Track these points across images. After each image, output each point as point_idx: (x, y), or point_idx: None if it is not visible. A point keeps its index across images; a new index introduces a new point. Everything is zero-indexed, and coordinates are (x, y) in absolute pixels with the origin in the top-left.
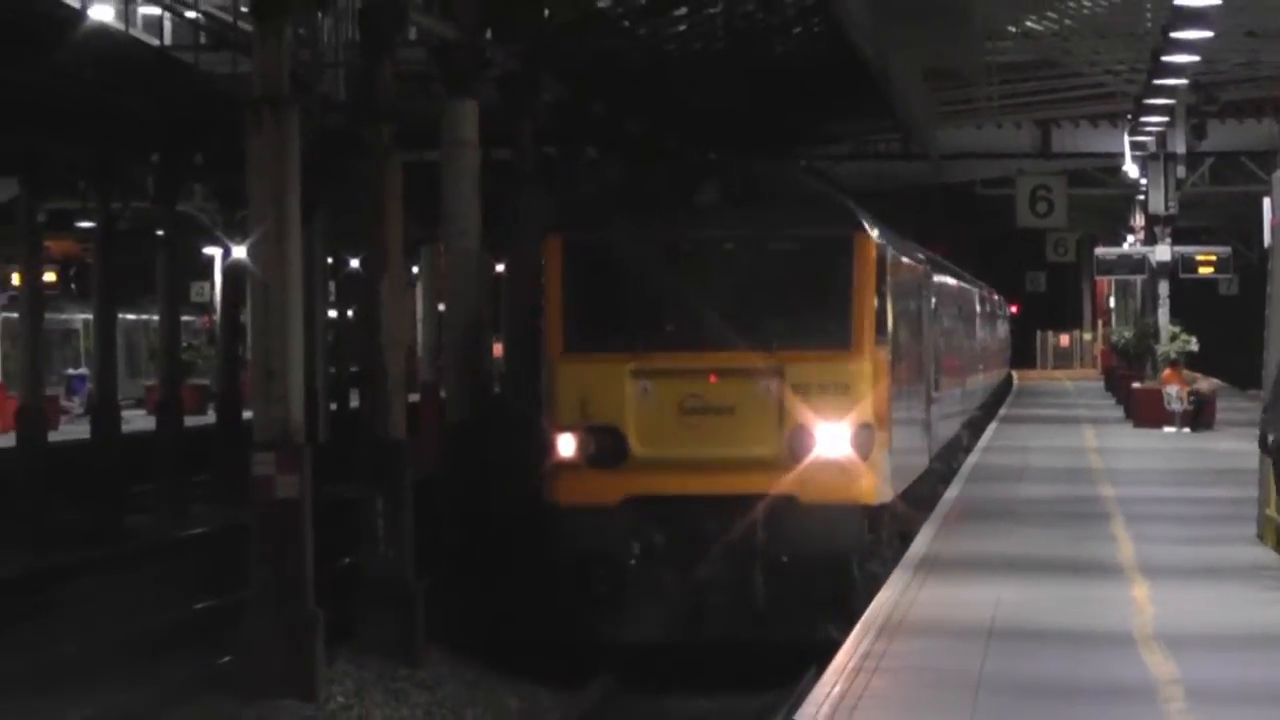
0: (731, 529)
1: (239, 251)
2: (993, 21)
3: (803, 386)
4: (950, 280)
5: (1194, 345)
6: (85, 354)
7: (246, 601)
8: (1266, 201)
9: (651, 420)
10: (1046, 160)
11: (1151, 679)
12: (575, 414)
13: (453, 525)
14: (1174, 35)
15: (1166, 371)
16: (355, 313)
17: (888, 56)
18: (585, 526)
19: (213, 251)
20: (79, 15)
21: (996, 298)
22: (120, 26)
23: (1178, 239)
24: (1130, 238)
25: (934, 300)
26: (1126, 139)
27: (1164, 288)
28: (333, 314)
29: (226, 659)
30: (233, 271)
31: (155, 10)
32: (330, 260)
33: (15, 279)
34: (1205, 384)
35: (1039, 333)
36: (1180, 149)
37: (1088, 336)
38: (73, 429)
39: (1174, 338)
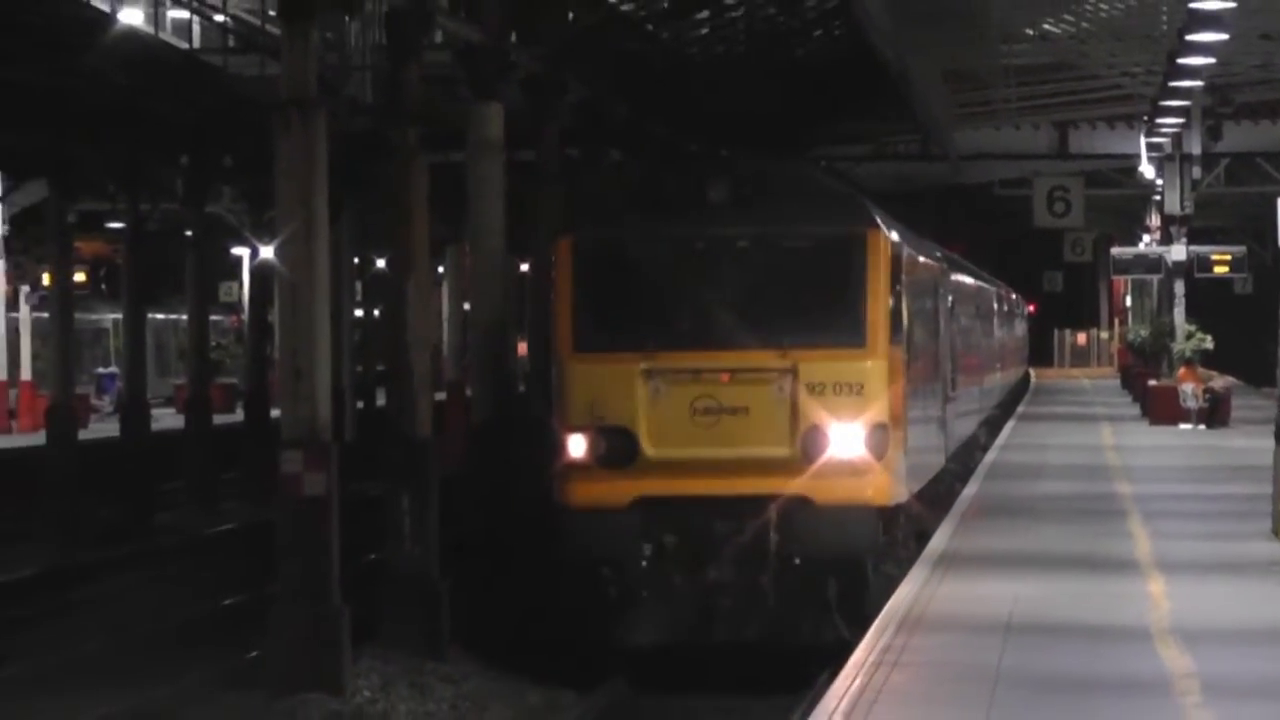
0: (743, 530)
1: (267, 252)
2: (1011, 24)
3: (816, 386)
4: (967, 279)
5: (1209, 343)
6: (115, 353)
7: (274, 597)
8: None
9: (663, 421)
10: (1064, 161)
11: (1167, 673)
12: (586, 414)
13: (477, 523)
14: (1189, 38)
15: (1182, 370)
16: (381, 312)
17: (907, 59)
18: (596, 528)
19: (241, 252)
20: (108, 19)
21: (1014, 297)
22: (150, 30)
23: (1193, 239)
24: (1146, 237)
25: (950, 299)
26: (1143, 140)
27: (1179, 287)
28: (359, 313)
29: (254, 654)
30: (261, 271)
31: (184, 14)
32: (357, 260)
33: (46, 279)
34: (1220, 382)
35: (1056, 331)
36: (1196, 150)
37: (1104, 335)
38: (103, 427)
39: (1189, 336)
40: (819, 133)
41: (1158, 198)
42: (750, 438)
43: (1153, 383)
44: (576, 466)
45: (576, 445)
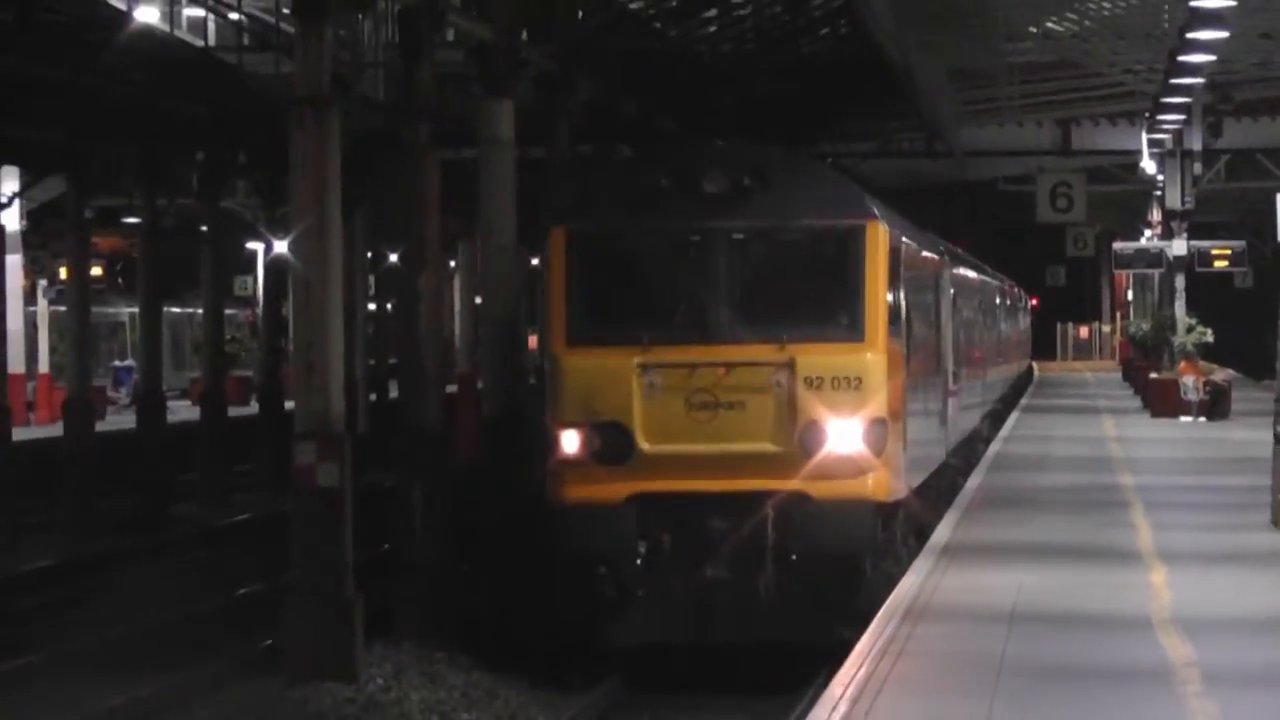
0: (740, 527)
1: (281, 247)
2: (1014, 23)
3: (814, 380)
4: (970, 273)
5: (1210, 337)
6: (131, 346)
7: (288, 587)
8: None
9: (658, 415)
10: (1066, 158)
11: (1169, 662)
12: (579, 409)
13: (489, 515)
14: (1191, 36)
15: (1183, 363)
16: (394, 306)
17: (912, 57)
18: (590, 525)
19: (255, 247)
20: (125, 17)
21: (1017, 290)
22: (165, 28)
23: (1194, 234)
24: (1148, 232)
25: (952, 292)
26: (1144, 137)
27: (1180, 281)
28: (372, 307)
29: (269, 643)
30: (275, 266)
31: (199, 12)
32: (370, 255)
33: (63, 273)
34: (1221, 375)
35: (1059, 325)
36: (1197, 146)
37: (1106, 329)
38: (119, 419)
39: (1190, 330)
40: (825, 130)
41: (1159, 193)
42: (747, 433)
43: (1154, 376)
44: (570, 463)
45: (570, 441)
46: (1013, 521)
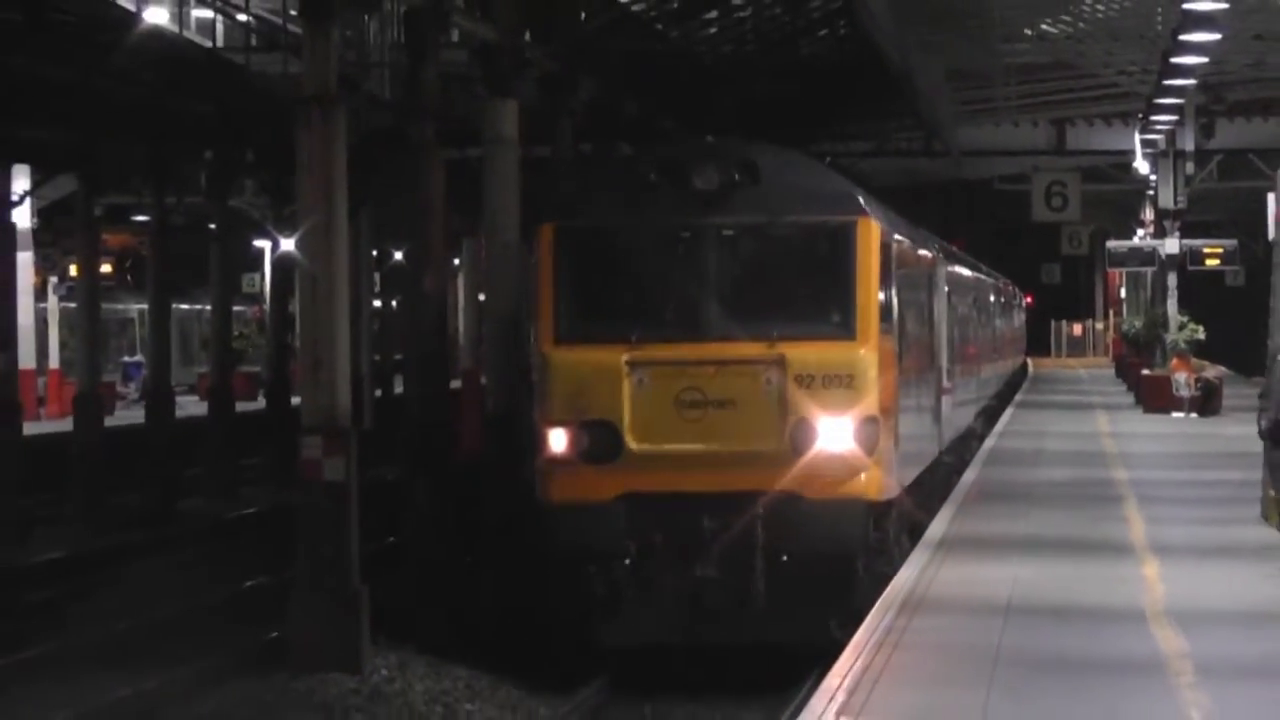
0: (731, 527)
1: (288, 244)
2: (1010, 25)
3: (805, 378)
4: (964, 270)
5: (1201, 334)
6: (140, 342)
7: (295, 579)
8: (1271, 196)
9: (647, 414)
10: (1061, 157)
11: (1162, 654)
12: (568, 408)
13: (491, 510)
14: (1183, 38)
15: (1175, 360)
16: (399, 303)
17: (910, 58)
18: (579, 525)
19: (263, 244)
20: (134, 17)
21: (1012, 288)
22: (174, 28)
23: (1186, 233)
24: (1141, 231)
25: (946, 290)
26: (1138, 137)
27: (1173, 279)
28: (378, 304)
29: (275, 635)
30: (282, 264)
31: (208, 13)
32: (375, 253)
33: (74, 270)
34: (1212, 371)
35: (1053, 322)
36: (1189, 147)
37: (1100, 326)
38: (128, 414)
39: (1182, 327)
40: (825, 129)
41: (1152, 193)
42: (737, 431)
43: (1147, 372)
44: (558, 461)
45: (558, 440)
46: (1008, 515)
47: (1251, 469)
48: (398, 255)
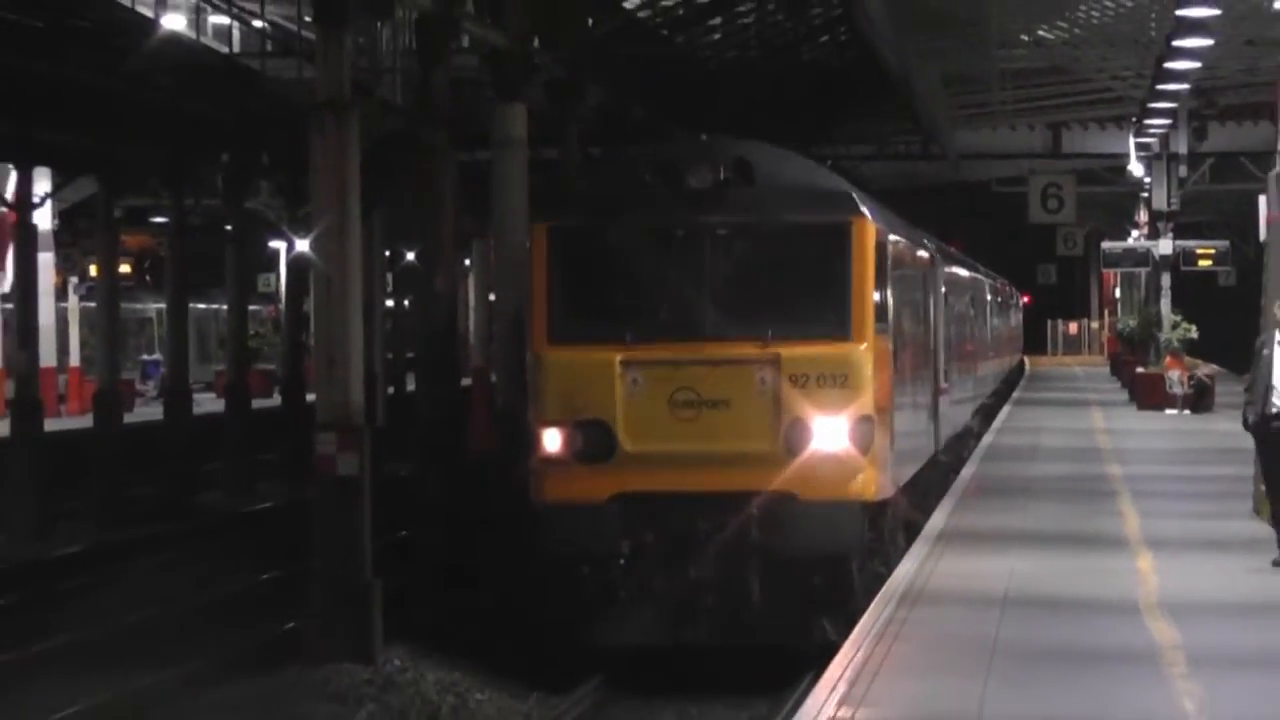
0: (725, 527)
1: (303, 245)
2: (1007, 30)
3: (799, 378)
4: (961, 270)
5: (1194, 333)
6: (159, 341)
7: (309, 572)
8: (1262, 199)
9: (641, 414)
10: (1057, 160)
11: (1155, 644)
12: (561, 408)
13: (498, 505)
14: (1177, 43)
15: (1168, 358)
16: (411, 303)
17: (909, 64)
18: (573, 525)
19: (278, 245)
20: (152, 24)
21: (1009, 288)
22: (191, 35)
23: (1179, 234)
24: (1135, 232)
25: (943, 290)
26: (1132, 140)
27: (1166, 279)
28: (390, 304)
29: (290, 626)
30: (297, 264)
31: (224, 19)
32: (388, 253)
33: (93, 271)
34: (1205, 369)
35: (1049, 321)
36: (1182, 150)
37: (1095, 325)
38: (147, 411)
39: (1175, 326)
40: (826, 132)
41: (1146, 195)
42: (731, 431)
43: (1141, 370)
44: (552, 462)
45: (552, 440)
46: (1005, 509)
47: (1243, 464)
48: (410, 256)
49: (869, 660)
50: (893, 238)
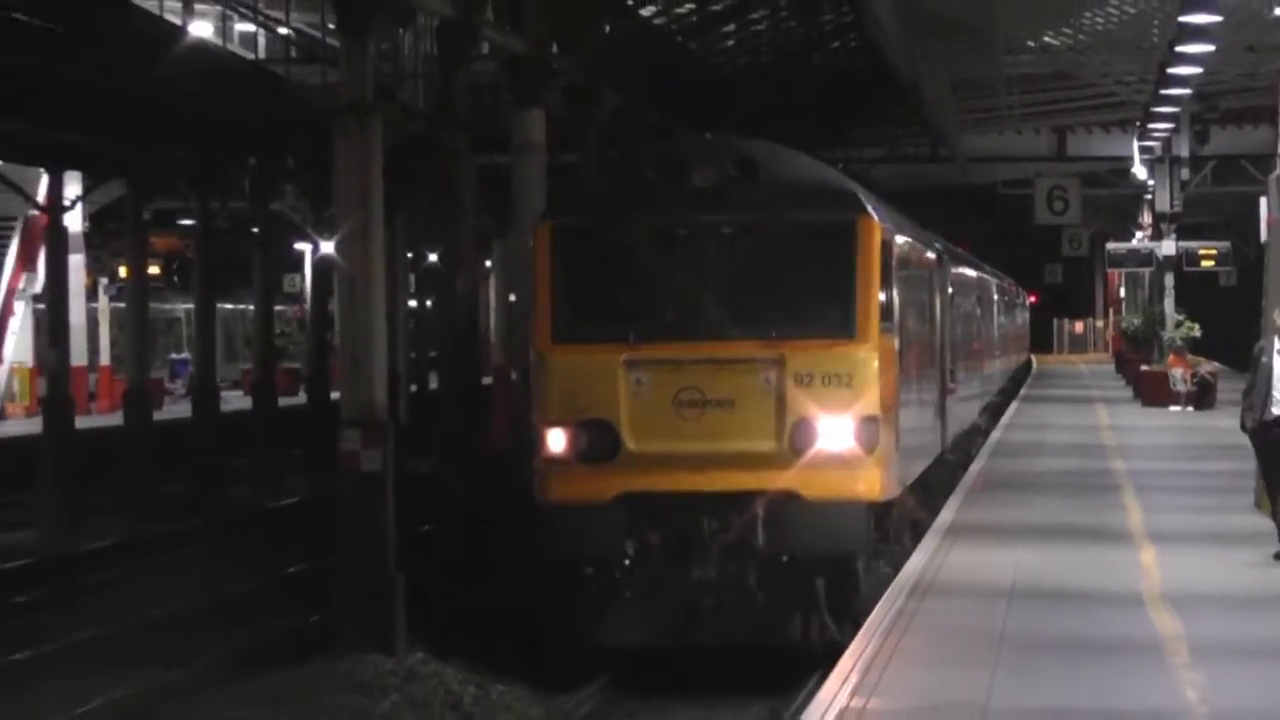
0: (730, 527)
1: (327, 247)
2: (1013, 37)
3: (804, 377)
4: (969, 270)
5: (1197, 332)
6: (187, 340)
7: (334, 566)
8: (1263, 201)
9: (646, 414)
10: (1062, 163)
11: (1159, 636)
12: (565, 408)
13: (516, 501)
14: (1179, 49)
15: (1172, 356)
16: (433, 303)
17: (918, 69)
18: (577, 525)
19: (303, 247)
20: (180, 31)
21: (1016, 288)
22: (218, 41)
23: (1182, 235)
24: (1139, 234)
25: (950, 289)
26: (1135, 144)
27: (1169, 279)
28: (413, 304)
29: (315, 618)
30: (322, 265)
31: (250, 27)
32: (410, 254)
33: (123, 272)
34: (1207, 367)
35: (1056, 320)
36: (1185, 153)
37: (1100, 324)
38: (175, 409)
39: (1179, 325)
40: (837, 136)
41: (1149, 197)
42: (736, 431)
43: (1145, 368)
44: (556, 462)
45: (556, 440)
46: (1012, 504)
47: (1244, 460)
48: (432, 257)
49: (880, 651)
50: (899, 237)
